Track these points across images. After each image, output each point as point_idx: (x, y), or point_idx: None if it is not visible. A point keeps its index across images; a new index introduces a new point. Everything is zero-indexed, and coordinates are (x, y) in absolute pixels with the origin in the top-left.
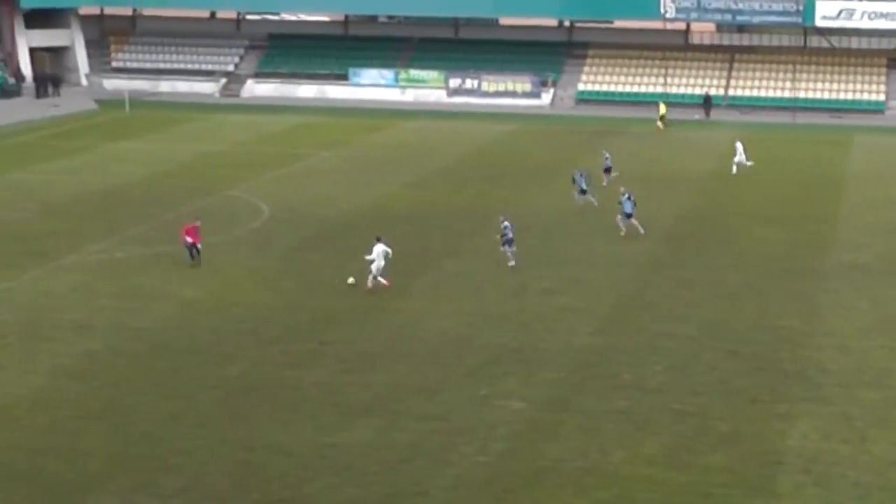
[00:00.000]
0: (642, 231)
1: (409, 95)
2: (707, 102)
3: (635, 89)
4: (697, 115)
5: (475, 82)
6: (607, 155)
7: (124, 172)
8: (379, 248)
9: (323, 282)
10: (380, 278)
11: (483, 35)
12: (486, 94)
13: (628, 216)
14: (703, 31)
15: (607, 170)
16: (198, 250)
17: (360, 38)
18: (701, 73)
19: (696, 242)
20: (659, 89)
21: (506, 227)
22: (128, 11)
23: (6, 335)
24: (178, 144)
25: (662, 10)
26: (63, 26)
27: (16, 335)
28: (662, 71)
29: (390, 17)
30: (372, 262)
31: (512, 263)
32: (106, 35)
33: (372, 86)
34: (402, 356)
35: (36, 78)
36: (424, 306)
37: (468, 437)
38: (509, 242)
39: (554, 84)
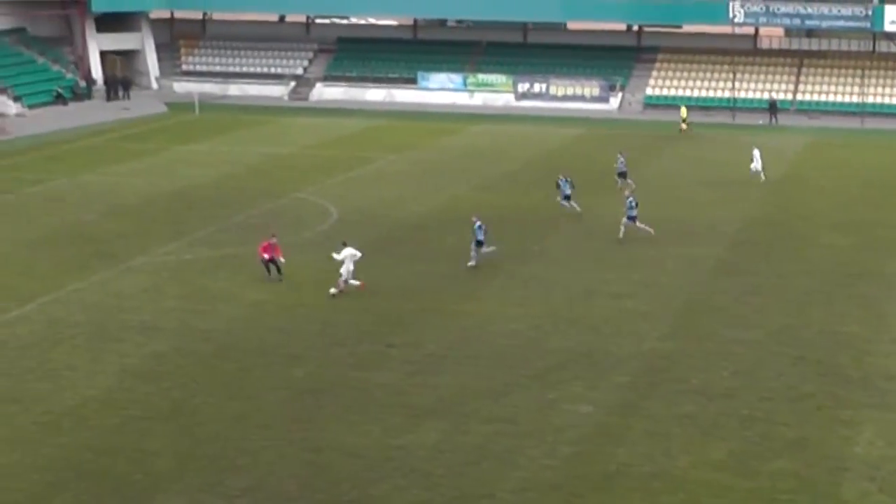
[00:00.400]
0: (652, 231)
1: (478, 99)
2: (773, 107)
3: (703, 94)
4: (762, 119)
5: (543, 86)
6: (622, 158)
7: (193, 175)
8: (346, 252)
9: (391, 284)
10: (352, 281)
11: (551, 39)
12: (555, 98)
13: (631, 219)
14: (771, 35)
15: (622, 174)
16: (277, 266)
17: (428, 41)
18: (769, 77)
19: (763, 247)
20: (727, 94)
21: (478, 228)
22: (198, 15)
23: (76, 336)
24: (247, 147)
25: (731, 15)
26: (134, 30)
27: (85, 336)
28: (730, 76)
29: (459, 22)
30: (341, 263)
31: (472, 263)
32: (176, 39)
33: (440, 90)
34: (469, 359)
35: (106, 81)
36: (492, 309)
37: (536, 440)
38: (479, 244)
39: (622, 88)
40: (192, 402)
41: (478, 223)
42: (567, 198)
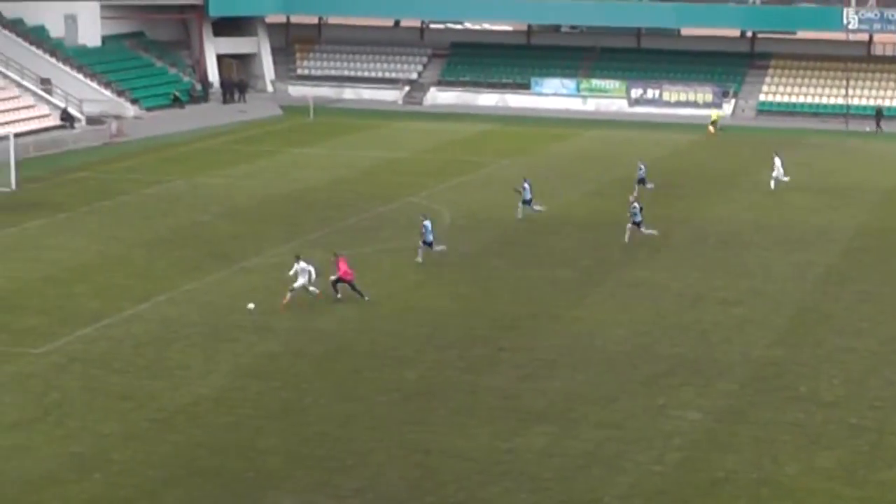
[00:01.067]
0: (656, 233)
1: (591, 105)
2: (879, 115)
3: (817, 100)
4: (868, 126)
5: (656, 92)
6: (642, 166)
7: (306, 177)
8: (298, 266)
9: (502, 288)
10: (312, 288)
11: (665, 45)
12: (667, 104)
13: (637, 224)
14: (885, 42)
15: (641, 181)
16: (352, 286)
17: (542, 47)
18: (882, 84)
19: (875, 255)
20: (840, 101)
21: (424, 228)
22: (313, 20)
23: (190, 335)
24: (361, 151)
25: (845, 22)
26: (250, 34)
27: (199, 335)
28: (844, 82)
29: (573, 27)
30: (296, 279)
31: (419, 259)
32: (292, 43)
33: (553, 95)
34: (578, 364)
35: (223, 84)
36: (602, 315)
37: (643, 446)
38: (429, 244)
39: (735, 95)
40: (303, 402)
41: (425, 222)
42: (527, 202)
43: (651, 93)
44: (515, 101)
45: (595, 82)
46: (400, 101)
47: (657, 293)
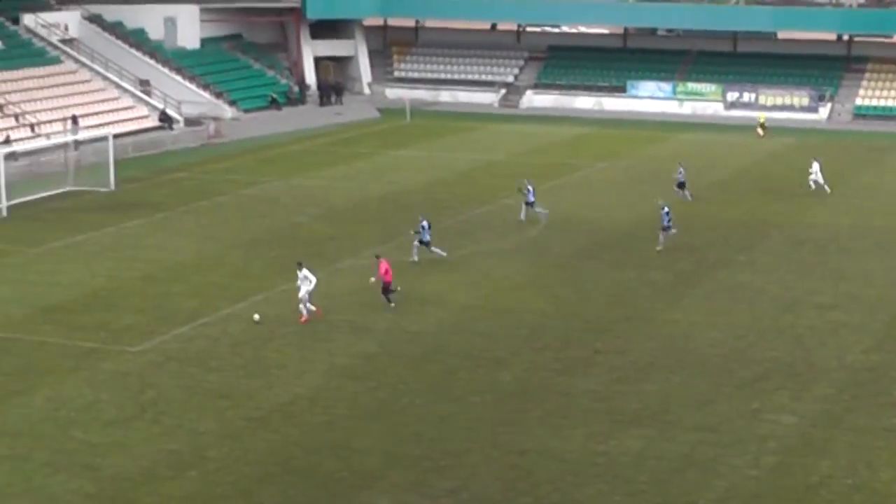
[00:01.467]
0: (674, 231)
1: (687, 108)
2: None
3: None
4: None
5: (752, 95)
6: (681, 170)
7: (402, 179)
8: (301, 275)
9: (598, 290)
10: (309, 305)
11: (761, 49)
12: (763, 108)
13: (665, 229)
14: None
15: (681, 185)
16: (389, 291)
17: (638, 50)
18: None
19: None
20: None
21: (423, 228)
22: (410, 23)
23: (286, 335)
24: (457, 153)
25: None
26: (347, 37)
27: (295, 335)
28: None
29: (669, 31)
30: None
31: (414, 259)
32: (389, 45)
33: (649, 98)
34: (673, 367)
35: (320, 86)
36: (697, 318)
37: (739, 449)
38: (425, 244)
39: (831, 98)
40: (398, 403)
41: (423, 222)
42: (530, 204)
43: (747, 96)
44: (611, 104)
45: (691, 86)
46: (496, 104)
47: (753, 296)
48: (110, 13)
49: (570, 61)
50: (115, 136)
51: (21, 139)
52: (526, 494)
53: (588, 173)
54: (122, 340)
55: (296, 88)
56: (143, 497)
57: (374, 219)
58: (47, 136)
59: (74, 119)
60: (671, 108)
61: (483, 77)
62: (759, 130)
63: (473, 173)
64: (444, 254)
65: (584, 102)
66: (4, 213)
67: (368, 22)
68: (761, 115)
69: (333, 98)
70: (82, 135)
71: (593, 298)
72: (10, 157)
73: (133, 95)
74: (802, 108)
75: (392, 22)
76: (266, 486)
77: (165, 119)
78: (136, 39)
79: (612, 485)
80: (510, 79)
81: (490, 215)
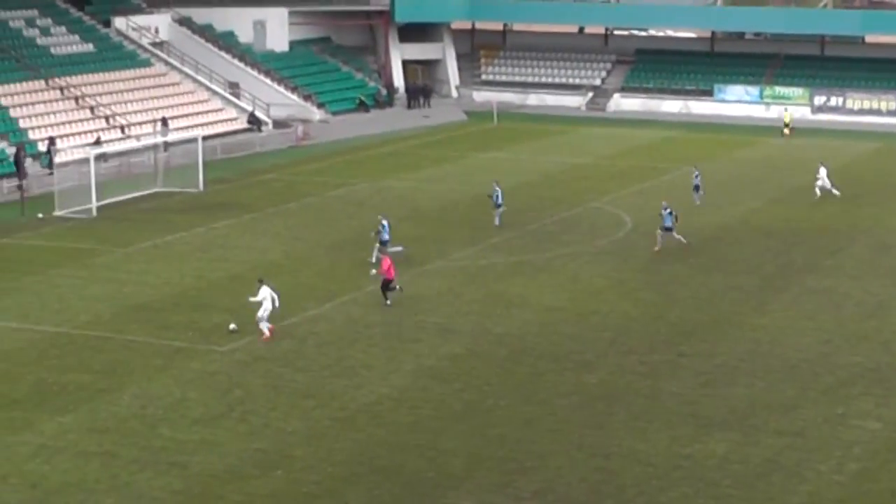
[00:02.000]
0: (685, 241)
1: (774, 112)
2: None
3: None
4: None
5: (840, 100)
6: (697, 173)
7: (490, 182)
8: (265, 291)
9: (684, 294)
10: (265, 323)
11: (849, 53)
12: (851, 112)
13: (668, 230)
14: None
15: (696, 188)
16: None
17: (725, 54)
18: None
19: None
20: None
21: (382, 227)
22: (498, 26)
23: (372, 335)
24: (544, 156)
25: None
26: (435, 40)
27: (382, 335)
28: None
29: (757, 34)
30: (259, 305)
31: (372, 260)
32: (476, 49)
33: (736, 102)
34: (759, 371)
35: (407, 89)
36: (783, 322)
37: (824, 455)
38: (384, 243)
39: None
40: (484, 404)
41: (384, 221)
42: (498, 205)
43: (834, 100)
44: (698, 107)
45: (778, 89)
46: (583, 108)
47: (839, 301)
48: (200, 16)
49: (658, 65)
50: (204, 138)
51: (111, 140)
52: (610, 497)
53: (675, 177)
54: (211, 340)
55: (384, 91)
56: (229, 495)
57: (462, 221)
58: (137, 137)
59: (164, 121)
60: (758, 111)
61: (570, 80)
62: (785, 130)
63: (560, 176)
64: (401, 248)
65: (670, 106)
66: (94, 213)
67: (456, 25)
68: (787, 115)
69: (421, 101)
70: (172, 136)
71: (679, 302)
72: (101, 158)
73: (222, 98)
74: (889, 113)
75: (480, 25)
76: (351, 485)
77: (254, 121)
78: (226, 42)
79: (696, 488)
80: (597, 82)
81: (576, 218)
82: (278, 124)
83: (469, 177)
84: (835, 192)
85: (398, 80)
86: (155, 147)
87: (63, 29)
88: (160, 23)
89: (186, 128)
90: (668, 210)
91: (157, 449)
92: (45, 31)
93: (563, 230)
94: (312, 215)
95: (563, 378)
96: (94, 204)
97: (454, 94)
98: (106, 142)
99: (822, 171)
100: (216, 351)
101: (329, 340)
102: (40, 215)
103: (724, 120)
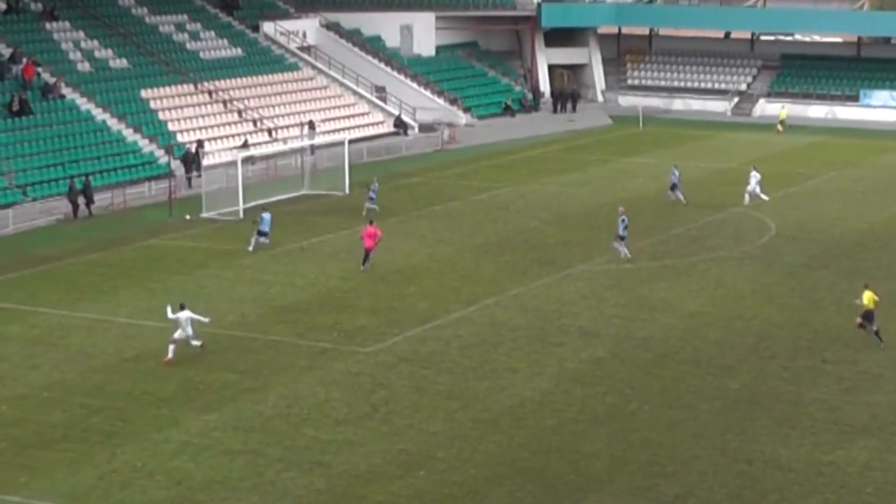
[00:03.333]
0: (628, 256)
1: None
2: None
3: None
4: None
5: None
6: (675, 171)
7: (635, 187)
8: (183, 314)
9: (828, 300)
10: (172, 347)
11: None
12: None
13: (621, 238)
14: None
15: (673, 186)
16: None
17: (872, 59)
18: None
19: None
20: None
21: (262, 219)
22: (644, 31)
23: (516, 338)
24: (689, 161)
25: None
26: (581, 45)
27: (525, 339)
28: None
29: None
30: (178, 325)
31: (250, 249)
32: (623, 53)
33: (883, 107)
34: None
35: (553, 94)
36: None
37: None
38: (263, 234)
39: None
40: (627, 408)
41: (265, 215)
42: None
43: None
44: (844, 112)
45: None
46: (729, 113)
47: None
48: (348, 21)
49: (804, 70)
50: (351, 142)
51: (259, 143)
52: (751, 502)
53: (819, 182)
54: (355, 341)
55: (530, 96)
56: (372, 495)
57: (606, 225)
58: (284, 140)
59: (311, 124)
60: None
61: (716, 85)
62: (779, 127)
63: (705, 181)
64: (266, 241)
65: (816, 111)
66: (241, 215)
67: (602, 30)
68: (782, 112)
69: (568, 106)
70: (318, 140)
71: (823, 308)
72: (248, 161)
73: (369, 101)
74: None
75: (626, 30)
76: (494, 487)
77: (400, 125)
78: (373, 47)
79: (838, 495)
80: (743, 87)
81: (721, 223)
82: (424, 128)
83: (614, 181)
84: (763, 196)
85: (544, 84)
86: (302, 150)
87: (212, 34)
88: (308, 27)
89: (333, 131)
90: (623, 218)
91: (300, 448)
92: (194, 36)
93: (707, 234)
94: (457, 219)
95: (706, 383)
96: (241, 206)
97: (600, 98)
98: (253, 145)
99: (754, 175)
100: (360, 352)
101: (473, 343)
102: (188, 216)
103: (869, 125)
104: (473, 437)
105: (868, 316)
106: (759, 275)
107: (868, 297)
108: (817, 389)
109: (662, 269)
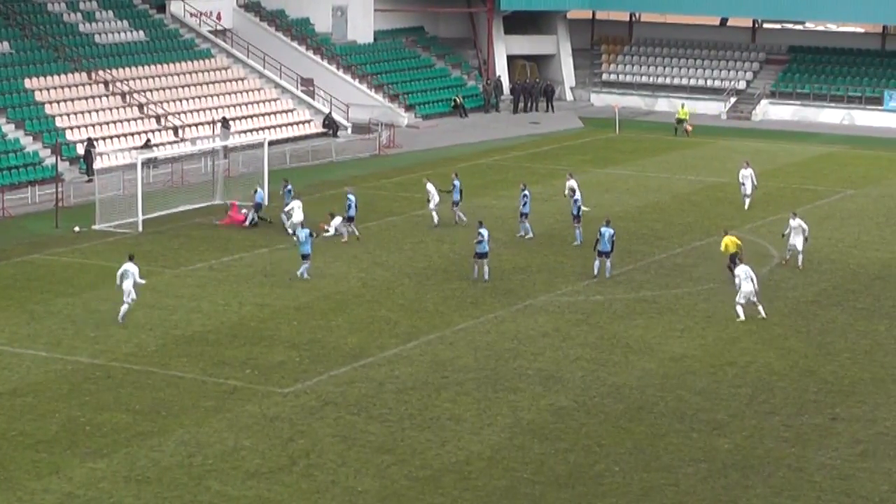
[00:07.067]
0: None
1: None
2: None
3: None
4: None
5: None
6: (525, 192)
7: (610, 202)
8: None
9: (841, 344)
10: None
11: None
12: None
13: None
14: None
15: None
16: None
17: None
18: None
19: None
20: None
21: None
22: (624, 16)
23: (463, 381)
24: (675, 173)
25: None
26: (548, 32)
27: (474, 382)
28: None
29: None
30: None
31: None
32: (597, 43)
33: None
34: None
35: (514, 90)
36: None
37: None
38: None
39: None
40: (593, 469)
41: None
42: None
43: None
44: (864, 118)
45: None
46: (724, 116)
47: None
48: (270, 1)
49: (816, 66)
50: (272, 144)
51: (163, 144)
52: None
53: (833, 201)
54: (272, 380)
55: (488, 91)
56: None
57: (574, 249)
58: (193, 141)
59: (225, 122)
60: None
61: (709, 83)
62: (688, 126)
63: (694, 197)
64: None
65: (830, 115)
66: (140, 227)
67: (573, 15)
68: (681, 110)
69: (536, 104)
70: (233, 140)
71: (834, 354)
72: (150, 163)
73: (294, 97)
74: None
75: (601, 15)
76: None
77: (330, 125)
78: (300, 32)
79: None
80: (742, 85)
81: (712, 248)
82: (358, 129)
83: (585, 196)
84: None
85: (503, 78)
86: (213, 153)
87: (110, 14)
88: (223, 8)
89: (250, 131)
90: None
91: None
92: (88, 17)
93: (695, 262)
94: (396, 237)
95: (690, 441)
96: (141, 217)
97: (569, 96)
98: (156, 145)
99: (746, 173)
100: (277, 393)
101: (411, 386)
102: (77, 228)
103: (895, 134)
104: (409, 498)
105: (733, 258)
106: (757, 312)
107: (730, 242)
108: (825, 453)
109: (640, 302)
